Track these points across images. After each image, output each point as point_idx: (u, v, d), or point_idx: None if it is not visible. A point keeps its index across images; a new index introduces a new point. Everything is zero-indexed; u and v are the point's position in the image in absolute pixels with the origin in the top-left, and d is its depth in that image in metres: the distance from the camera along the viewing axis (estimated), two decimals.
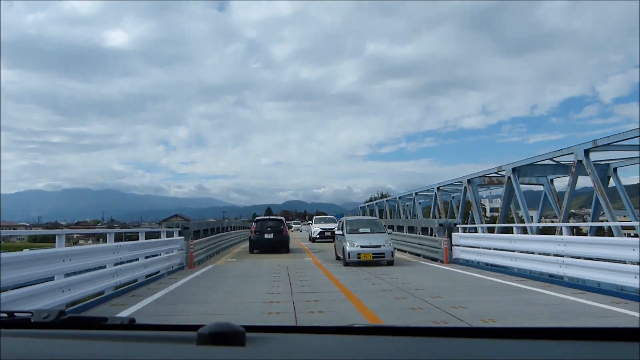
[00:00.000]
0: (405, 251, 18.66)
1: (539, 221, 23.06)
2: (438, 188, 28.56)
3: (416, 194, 33.60)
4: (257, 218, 22.74)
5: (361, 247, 15.09)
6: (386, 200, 41.10)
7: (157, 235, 13.27)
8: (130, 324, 1.32)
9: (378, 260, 14.64)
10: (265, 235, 19.81)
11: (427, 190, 31.37)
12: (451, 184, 26.60)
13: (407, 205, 37.36)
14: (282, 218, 22.42)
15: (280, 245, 19.88)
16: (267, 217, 23.40)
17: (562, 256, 9.90)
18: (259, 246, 19.88)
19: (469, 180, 23.03)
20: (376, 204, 44.73)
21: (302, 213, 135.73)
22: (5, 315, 1.34)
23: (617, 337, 1.13)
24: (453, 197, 31.95)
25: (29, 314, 1.31)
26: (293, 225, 64.71)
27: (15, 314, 1.34)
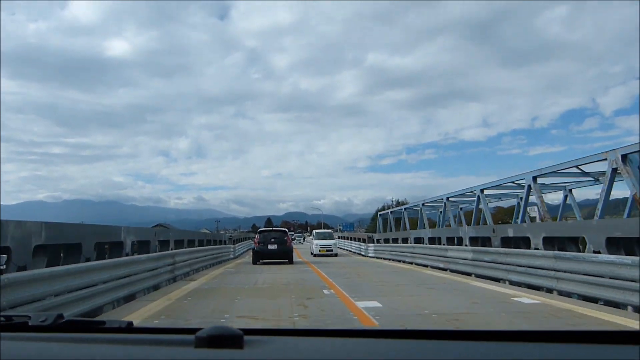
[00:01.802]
0: None
1: None
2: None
3: (482, 191, 22.30)
4: (260, 230, 23.17)
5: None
6: (422, 204, 32.31)
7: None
8: (128, 327, 1.31)
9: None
10: (269, 247, 20.05)
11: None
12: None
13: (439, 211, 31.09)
14: (286, 230, 23.18)
15: (283, 256, 20.15)
16: (271, 228, 24.73)
17: None
18: (262, 257, 20.14)
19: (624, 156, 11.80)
20: (405, 209, 36.17)
21: (304, 224, 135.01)
22: (3, 318, 1.34)
23: (617, 340, 1.13)
24: (461, 209, 29.21)
25: (27, 317, 1.31)
26: (318, 243, 29.67)
27: (14, 317, 1.34)
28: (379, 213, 45.38)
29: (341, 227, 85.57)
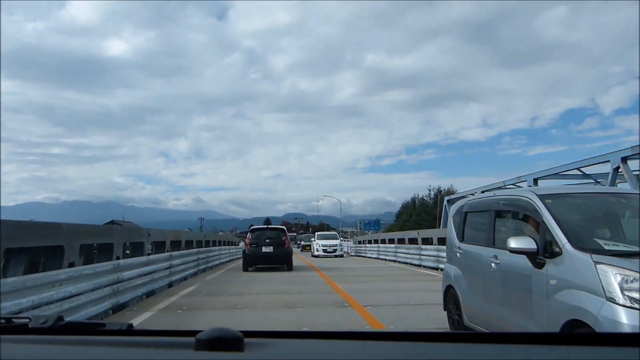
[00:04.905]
0: None
1: None
2: None
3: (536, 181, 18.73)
4: (253, 227, 18.98)
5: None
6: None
7: None
8: (128, 330, 1.31)
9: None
10: (264, 249, 16.84)
11: None
12: None
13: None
14: (284, 228, 19.45)
15: (280, 261, 17.07)
16: (266, 226, 20.05)
17: None
18: (255, 262, 16.89)
19: None
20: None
21: (305, 224, 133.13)
22: (3, 320, 1.33)
23: (617, 342, 1.13)
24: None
25: (27, 320, 1.31)
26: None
27: (13, 320, 1.34)
28: (445, 198, 33.46)
29: (362, 227, 65.23)
